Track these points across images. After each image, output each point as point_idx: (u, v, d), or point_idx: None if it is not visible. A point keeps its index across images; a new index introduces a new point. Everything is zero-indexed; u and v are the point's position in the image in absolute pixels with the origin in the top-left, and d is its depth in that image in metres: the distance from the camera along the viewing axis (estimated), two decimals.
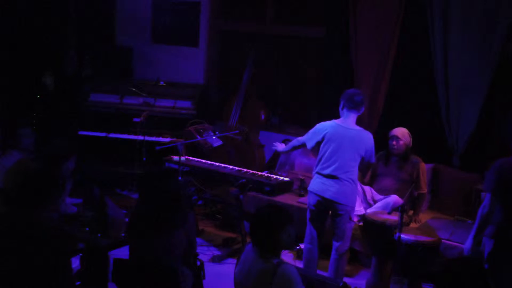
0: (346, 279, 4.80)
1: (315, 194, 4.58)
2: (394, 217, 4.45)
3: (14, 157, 4.36)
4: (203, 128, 5.90)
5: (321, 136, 4.57)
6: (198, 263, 3.80)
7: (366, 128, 6.01)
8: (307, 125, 6.77)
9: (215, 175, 5.56)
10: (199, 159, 5.77)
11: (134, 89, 6.71)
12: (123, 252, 3.66)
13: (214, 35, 7.37)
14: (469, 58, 5.33)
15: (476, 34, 5.26)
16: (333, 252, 4.63)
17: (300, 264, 5.11)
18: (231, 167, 5.55)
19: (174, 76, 7.19)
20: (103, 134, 6.69)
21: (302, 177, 5.89)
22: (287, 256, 5.33)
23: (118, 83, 6.99)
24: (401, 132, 5.18)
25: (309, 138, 4.68)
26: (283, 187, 5.71)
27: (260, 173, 5.51)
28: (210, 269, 4.97)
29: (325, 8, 6.40)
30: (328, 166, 4.52)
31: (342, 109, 4.58)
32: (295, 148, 4.96)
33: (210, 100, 7.38)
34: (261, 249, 2.98)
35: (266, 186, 5.34)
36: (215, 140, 5.78)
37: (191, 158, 5.78)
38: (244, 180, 5.25)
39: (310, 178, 5.30)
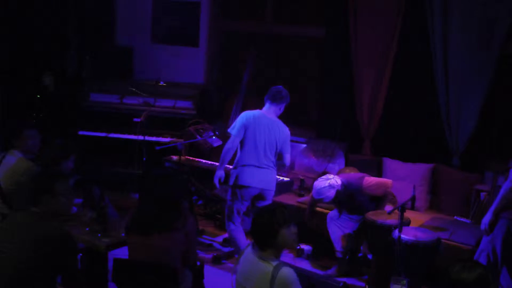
0: (346, 279, 4.80)
1: (248, 186, 4.74)
2: (394, 217, 4.46)
3: (17, 157, 4.36)
4: (203, 128, 5.90)
5: (246, 124, 4.75)
6: (198, 263, 3.81)
7: (365, 128, 6.07)
8: (307, 125, 6.81)
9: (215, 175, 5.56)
10: (199, 159, 5.77)
11: (134, 89, 6.71)
12: (123, 252, 3.66)
13: (214, 35, 7.37)
14: (469, 58, 5.33)
15: (476, 34, 5.25)
16: None
17: (300, 263, 5.12)
18: (231, 167, 5.54)
19: (174, 76, 7.19)
20: (103, 134, 6.69)
21: (302, 177, 5.89)
22: (287, 256, 5.33)
23: (118, 83, 6.99)
24: (316, 192, 4.84)
25: (235, 127, 4.79)
26: (283, 187, 5.72)
27: None
28: (210, 269, 4.98)
29: (325, 8, 6.40)
30: (258, 156, 4.73)
31: (265, 101, 4.85)
32: (230, 150, 4.81)
33: (210, 100, 7.38)
34: (262, 249, 2.97)
35: None
36: (215, 140, 5.78)
37: (191, 158, 5.78)
38: None
39: (310, 178, 5.31)
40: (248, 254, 3.03)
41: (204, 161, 5.75)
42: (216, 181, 4.89)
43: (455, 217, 5.26)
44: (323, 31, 6.41)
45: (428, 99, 5.67)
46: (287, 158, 4.87)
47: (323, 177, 4.95)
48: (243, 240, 4.92)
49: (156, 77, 6.88)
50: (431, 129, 5.72)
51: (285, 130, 4.86)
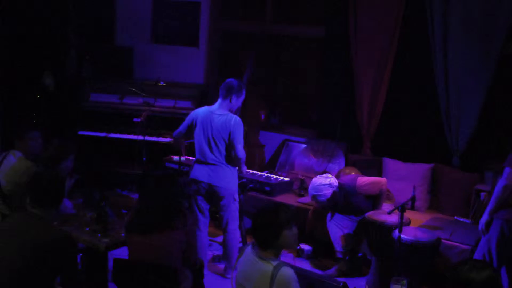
0: (346, 279, 4.80)
1: (197, 180, 4.74)
2: (394, 217, 4.46)
3: (17, 157, 4.36)
4: None
5: (192, 121, 4.77)
6: (198, 263, 3.81)
7: (365, 128, 6.07)
8: (307, 125, 6.81)
9: None
10: None
11: (134, 89, 6.71)
12: (123, 252, 3.67)
13: (214, 35, 7.37)
14: (469, 58, 5.33)
15: (476, 34, 5.25)
16: (226, 233, 4.81)
17: (300, 263, 5.12)
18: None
19: (174, 76, 7.19)
20: (103, 134, 6.69)
21: (302, 177, 5.89)
22: (287, 256, 5.33)
23: (118, 83, 6.98)
24: (314, 187, 4.87)
25: (182, 124, 4.85)
26: (283, 187, 5.72)
27: (260, 173, 5.52)
28: (210, 269, 4.98)
29: (325, 8, 6.40)
30: (204, 152, 4.69)
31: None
32: (178, 136, 4.97)
33: (210, 100, 7.37)
34: (263, 248, 2.98)
35: (266, 186, 5.34)
36: None
37: (191, 158, 5.78)
38: (244, 180, 5.25)
39: (310, 178, 5.31)
40: (248, 254, 3.04)
41: None
42: None
43: (455, 217, 5.26)
44: (323, 31, 6.40)
45: (428, 99, 5.67)
46: (238, 149, 4.62)
47: (322, 175, 4.95)
48: (204, 251, 4.88)
49: (156, 77, 6.88)
50: (431, 129, 5.71)
51: (233, 122, 4.64)
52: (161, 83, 6.86)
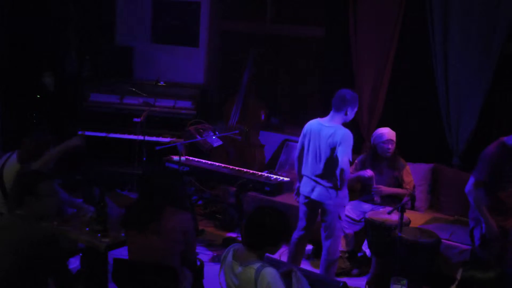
0: (346, 279, 4.80)
1: (303, 195, 4.66)
2: (394, 217, 4.46)
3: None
4: (203, 128, 5.90)
5: (304, 134, 4.63)
6: (198, 263, 3.81)
7: (365, 128, 6.06)
8: None
9: (215, 175, 5.57)
10: (199, 159, 5.77)
11: (134, 89, 6.71)
12: (123, 252, 3.67)
13: (214, 35, 7.36)
14: (469, 57, 5.33)
15: (476, 34, 5.25)
16: (324, 252, 4.66)
17: (305, 265, 5.12)
18: (231, 167, 5.55)
19: (174, 76, 7.19)
20: (103, 134, 6.69)
21: None
22: (287, 256, 5.32)
23: (118, 83, 6.98)
24: (392, 134, 5.09)
25: (299, 140, 4.69)
26: (283, 187, 5.71)
27: (260, 173, 5.51)
28: (210, 269, 4.97)
29: (325, 8, 6.40)
30: (310, 166, 4.56)
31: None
32: (296, 159, 4.82)
33: (210, 100, 7.38)
34: (252, 249, 2.96)
35: (266, 186, 5.33)
36: (215, 140, 5.79)
37: (191, 158, 5.78)
38: (244, 180, 5.25)
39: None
40: (229, 264, 3.01)
41: (204, 161, 5.75)
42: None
43: (455, 217, 5.26)
44: (323, 31, 6.41)
45: (428, 99, 5.67)
46: (344, 162, 4.31)
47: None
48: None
49: (156, 77, 6.88)
50: (431, 129, 5.71)
51: (342, 135, 4.35)
52: (161, 83, 6.86)
